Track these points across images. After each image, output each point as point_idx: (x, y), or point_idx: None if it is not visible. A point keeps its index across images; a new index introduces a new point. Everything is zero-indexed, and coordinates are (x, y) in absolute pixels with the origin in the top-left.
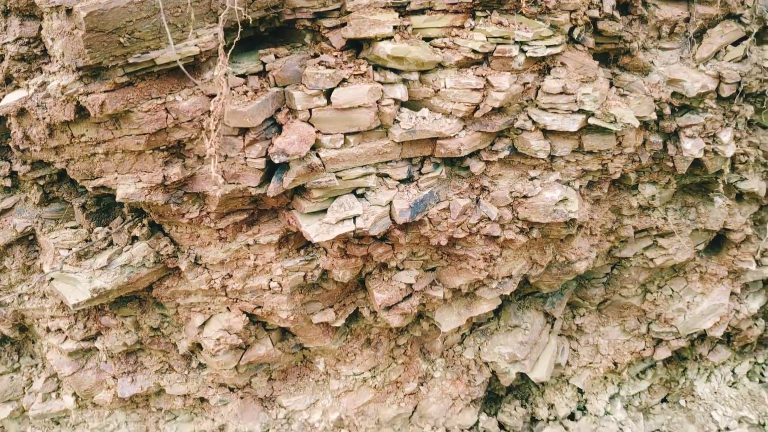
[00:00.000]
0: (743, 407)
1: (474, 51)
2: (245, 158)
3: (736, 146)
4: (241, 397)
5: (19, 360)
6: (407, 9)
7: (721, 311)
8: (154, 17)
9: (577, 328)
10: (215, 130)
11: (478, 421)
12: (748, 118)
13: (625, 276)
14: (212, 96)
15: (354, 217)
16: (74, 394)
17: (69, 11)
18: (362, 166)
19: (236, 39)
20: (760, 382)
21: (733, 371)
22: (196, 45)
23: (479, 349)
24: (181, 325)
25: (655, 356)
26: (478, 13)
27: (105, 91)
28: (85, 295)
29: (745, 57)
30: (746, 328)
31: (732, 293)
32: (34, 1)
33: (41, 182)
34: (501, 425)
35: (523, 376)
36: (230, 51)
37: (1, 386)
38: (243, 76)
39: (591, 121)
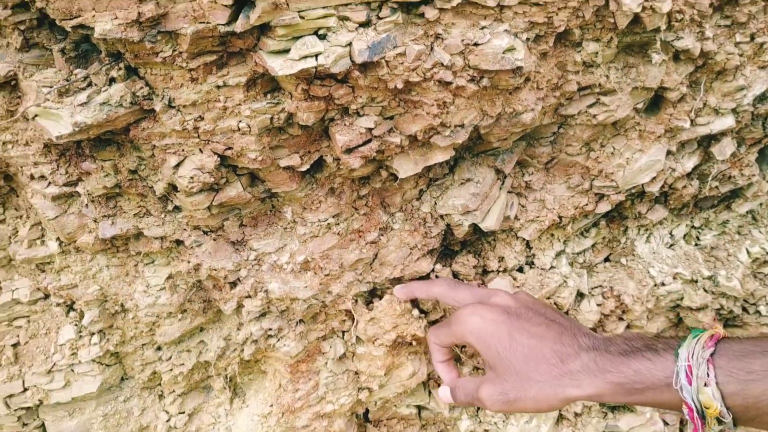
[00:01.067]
0: (678, 265)
1: None
2: None
3: (673, 4)
4: (214, 239)
5: (5, 213)
6: None
7: (657, 167)
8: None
9: (526, 185)
10: None
11: (433, 270)
12: None
13: (570, 134)
14: None
15: (316, 55)
16: (58, 239)
17: None
18: (323, 8)
19: None
20: (696, 245)
21: (671, 233)
22: None
23: (435, 203)
24: (157, 168)
25: (597, 210)
26: None
27: None
28: (68, 129)
29: None
30: (681, 187)
31: (668, 152)
32: None
33: (21, 27)
34: (455, 274)
35: (476, 230)
36: None
37: None
38: None
39: None
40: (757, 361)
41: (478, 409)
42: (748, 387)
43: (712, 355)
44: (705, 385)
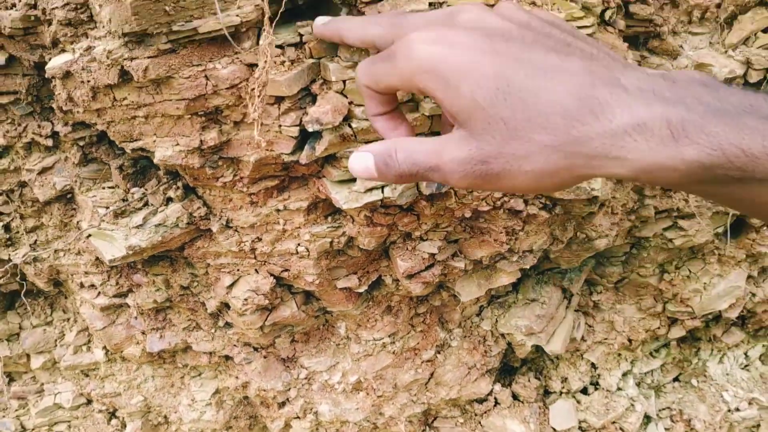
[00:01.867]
0: (754, 389)
1: None
2: (280, 126)
3: None
4: (265, 357)
5: (52, 314)
6: None
7: (737, 293)
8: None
9: (594, 305)
10: (259, 96)
11: (492, 391)
12: None
13: (643, 255)
14: (251, 65)
15: (382, 187)
16: (104, 347)
17: None
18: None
19: (281, 10)
20: None
21: (746, 354)
22: (237, 15)
23: (496, 320)
24: (210, 285)
25: (670, 335)
26: None
27: (148, 57)
28: (121, 251)
29: None
30: (761, 312)
31: (749, 276)
32: None
33: (81, 143)
34: (514, 396)
35: (538, 348)
36: (274, 22)
37: (35, 338)
38: (280, 46)
39: None
40: None
41: None
42: None
43: None
44: None
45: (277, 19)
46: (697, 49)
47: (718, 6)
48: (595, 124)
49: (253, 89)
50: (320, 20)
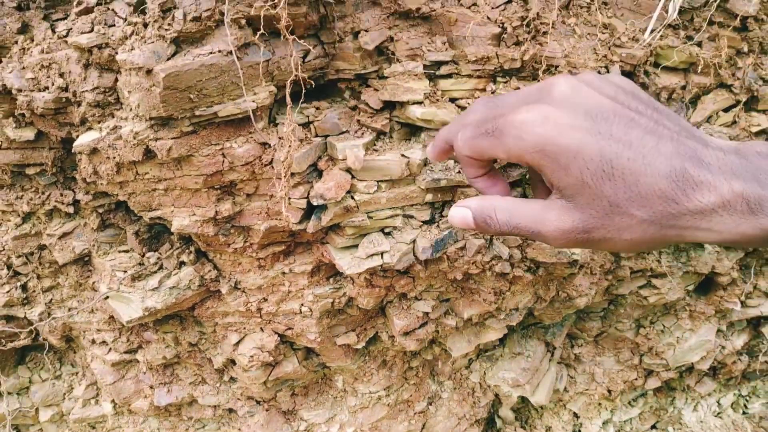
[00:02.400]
0: None
1: None
2: (289, 198)
3: None
4: (267, 410)
5: (61, 368)
6: (437, 74)
7: (708, 346)
8: (219, 77)
9: (575, 357)
10: (285, 177)
11: None
12: None
13: (620, 311)
14: (264, 144)
15: (382, 253)
16: (113, 401)
17: (149, 71)
18: (391, 209)
19: (301, 91)
20: (744, 413)
21: (718, 402)
22: (253, 101)
23: (485, 373)
24: (218, 342)
25: (646, 386)
26: (498, 79)
27: (172, 138)
28: (138, 313)
29: (734, 122)
30: (731, 363)
31: (718, 330)
32: (116, 58)
33: (100, 210)
34: None
35: (523, 399)
36: (285, 104)
37: (44, 392)
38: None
39: None
40: None
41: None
42: None
43: None
44: None
45: (287, 101)
46: None
47: (683, 88)
48: (687, 204)
49: (279, 171)
50: (429, 148)
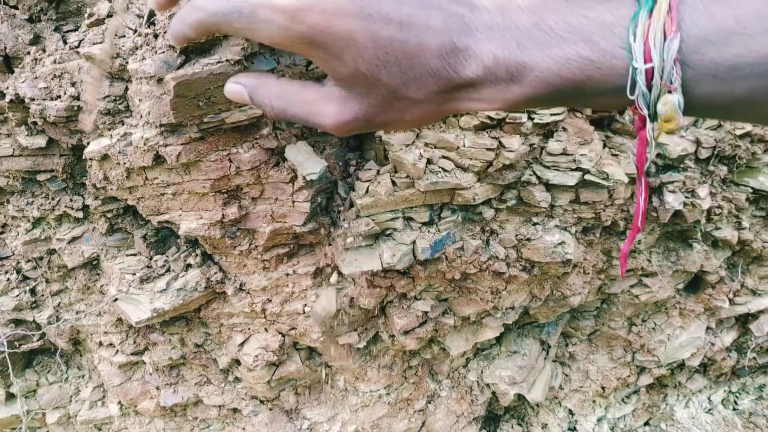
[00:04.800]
0: (717, 431)
1: (489, 117)
2: (293, 201)
3: (712, 200)
4: (270, 409)
5: (68, 371)
6: None
7: (698, 343)
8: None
9: (570, 356)
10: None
11: None
12: (722, 177)
13: (613, 310)
14: (269, 149)
15: (381, 254)
16: (119, 402)
17: (160, 80)
18: (391, 211)
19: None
20: (734, 409)
21: (709, 399)
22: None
23: (482, 371)
24: (223, 343)
25: (639, 383)
26: None
27: (181, 144)
28: (146, 314)
29: (719, 126)
30: (720, 360)
31: (708, 328)
32: (126, 68)
33: (109, 215)
34: None
35: (520, 397)
36: None
37: (51, 394)
38: None
39: (587, 177)
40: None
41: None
42: (730, 85)
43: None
44: (669, 91)
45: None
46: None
47: None
48: (458, 80)
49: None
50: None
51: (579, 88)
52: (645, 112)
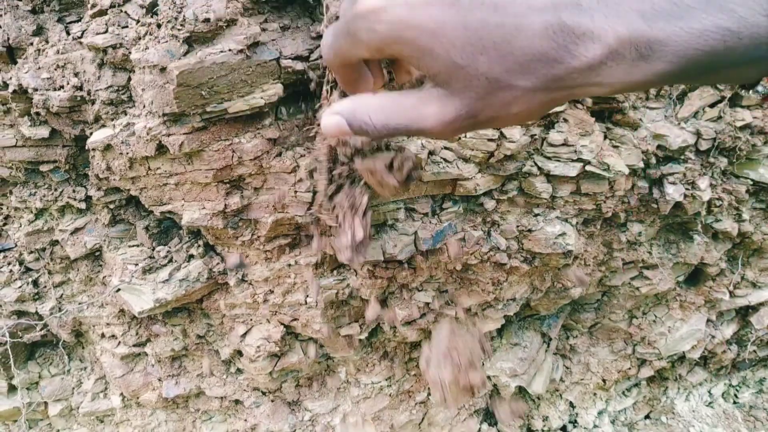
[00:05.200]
0: (718, 424)
1: None
2: (295, 192)
3: (712, 192)
4: (272, 401)
5: (70, 363)
6: None
7: (698, 336)
8: (230, 75)
9: (571, 348)
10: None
11: (479, 430)
12: (723, 169)
13: (614, 302)
14: (270, 139)
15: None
16: (121, 394)
17: (163, 69)
18: (393, 202)
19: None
20: (734, 402)
21: (709, 392)
22: (261, 98)
23: (483, 364)
24: (225, 334)
25: (640, 375)
26: None
27: (184, 134)
28: (149, 304)
29: (719, 117)
30: (721, 352)
31: (708, 320)
32: (129, 57)
33: (111, 206)
34: None
35: (521, 389)
36: (291, 102)
37: (53, 386)
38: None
39: (588, 168)
40: None
41: None
42: None
43: None
44: None
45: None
46: (654, 122)
47: (671, 85)
48: (572, 62)
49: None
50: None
51: (716, 61)
52: None
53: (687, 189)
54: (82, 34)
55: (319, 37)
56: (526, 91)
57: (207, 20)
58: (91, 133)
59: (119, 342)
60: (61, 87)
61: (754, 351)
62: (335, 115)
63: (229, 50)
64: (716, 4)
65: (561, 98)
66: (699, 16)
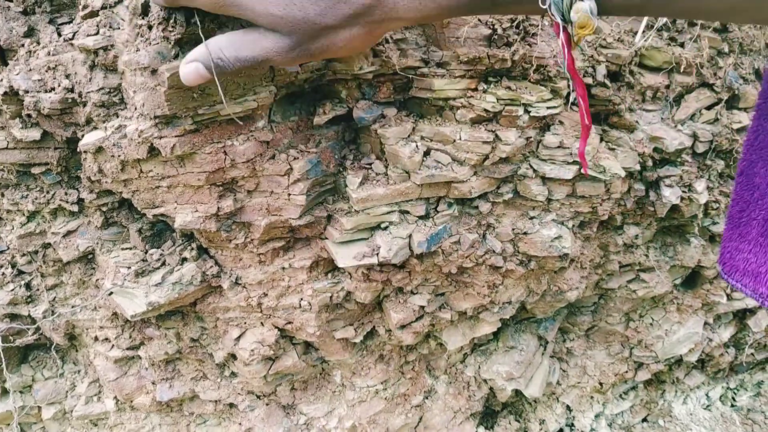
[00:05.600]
0: (716, 428)
1: (486, 110)
2: (289, 194)
3: (709, 195)
4: (267, 404)
5: (63, 366)
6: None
7: (695, 339)
8: (221, 77)
9: (567, 351)
10: None
11: None
12: (719, 171)
13: (610, 305)
14: (264, 142)
15: (379, 247)
16: (115, 397)
17: (154, 71)
18: (387, 205)
19: (298, 94)
20: (732, 405)
21: (707, 395)
22: (254, 100)
23: (479, 367)
24: (219, 337)
25: (637, 378)
26: (490, 78)
27: (176, 136)
28: (142, 308)
29: (716, 119)
30: (718, 355)
31: (705, 323)
32: (121, 59)
33: (104, 208)
34: None
35: (517, 393)
36: (284, 104)
37: (47, 390)
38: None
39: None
40: None
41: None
42: None
43: None
44: None
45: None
46: (651, 124)
47: (667, 87)
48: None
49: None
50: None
51: None
52: (558, 19)
53: (684, 191)
54: (74, 35)
55: None
56: (340, 28)
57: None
58: (82, 136)
59: (112, 345)
60: (52, 89)
61: (752, 354)
62: (192, 62)
63: None
64: None
65: (375, 31)
66: None
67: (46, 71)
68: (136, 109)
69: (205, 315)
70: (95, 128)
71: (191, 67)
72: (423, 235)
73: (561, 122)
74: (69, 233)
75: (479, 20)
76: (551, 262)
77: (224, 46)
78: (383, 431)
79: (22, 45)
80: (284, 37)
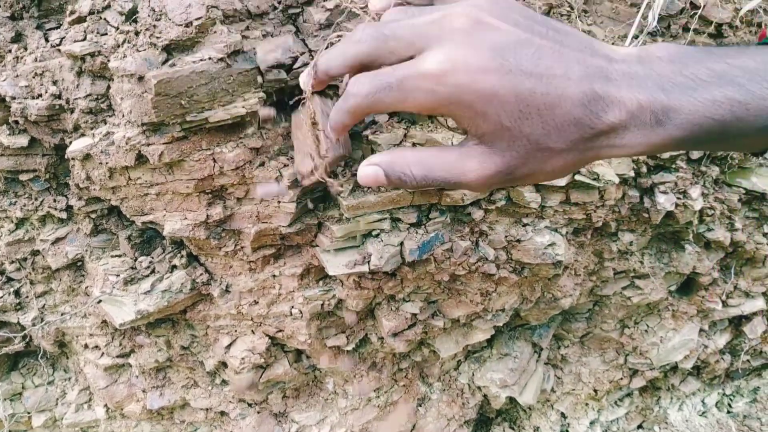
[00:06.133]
0: None
1: None
2: (279, 202)
3: (704, 201)
4: (258, 412)
5: (54, 374)
6: None
7: (690, 345)
8: (209, 84)
9: (562, 358)
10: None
11: None
12: (715, 177)
13: (605, 312)
14: (253, 149)
15: (368, 261)
16: (105, 405)
17: (141, 78)
18: (378, 212)
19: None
20: (728, 412)
21: (703, 401)
22: (243, 107)
23: (473, 374)
24: (209, 345)
25: (632, 385)
26: None
27: (164, 143)
28: (131, 316)
29: None
30: (714, 362)
31: (701, 330)
32: (108, 66)
33: (93, 216)
34: None
35: (511, 400)
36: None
37: (37, 397)
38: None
39: (577, 177)
40: None
41: None
42: None
43: None
44: None
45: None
46: None
47: None
48: (601, 126)
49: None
50: (303, 76)
51: (726, 129)
52: None
53: (678, 198)
54: (61, 41)
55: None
56: (561, 151)
57: (188, 25)
58: (70, 142)
59: (102, 353)
60: (40, 95)
61: (748, 360)
62: (373, 165)
63: (209, 58)
64: (727, 78)
65: (589, 158)
66: (711, 88)
67: (34, 77)
68: (123, 116)
69: (195, 323)
70: (83, 135)
71: (371, 170)
72: (415, 242)
73: None
74: (58, 240)
75: None
76: (545, 269)
77: (413, 162)
78: None
79: (9, 51)
80: (494, 156)
